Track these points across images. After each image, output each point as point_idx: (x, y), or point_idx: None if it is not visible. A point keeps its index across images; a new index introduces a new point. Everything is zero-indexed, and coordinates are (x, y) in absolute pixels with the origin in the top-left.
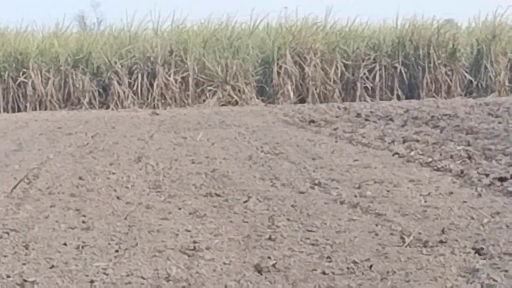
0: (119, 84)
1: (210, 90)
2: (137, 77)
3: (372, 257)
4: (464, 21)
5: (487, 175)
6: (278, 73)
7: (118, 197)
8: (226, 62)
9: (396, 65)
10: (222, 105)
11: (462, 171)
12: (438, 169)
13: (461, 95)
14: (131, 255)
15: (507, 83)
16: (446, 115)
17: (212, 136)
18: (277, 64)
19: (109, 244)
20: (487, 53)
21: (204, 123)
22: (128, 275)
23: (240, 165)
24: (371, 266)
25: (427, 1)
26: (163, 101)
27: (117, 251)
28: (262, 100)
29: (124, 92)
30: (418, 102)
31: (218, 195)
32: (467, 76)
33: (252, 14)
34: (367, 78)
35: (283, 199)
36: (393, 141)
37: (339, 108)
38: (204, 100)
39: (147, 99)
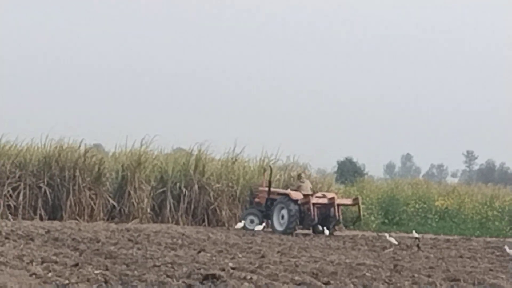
0: None
1: None
2: None
3: None
4: (112, 146)
5: None
6: None
7: None
8: None
9: (41, 185)
10: None
11: None
12: None
13: (103, 219)
14: None
15: (149, 210)
16: (87, 238)
17: None
18: None
19: None
20: (131, 179)
21: None
22: None
23: None
24: None
25: (77, 125)
26: None
27: None
28: None
29: None
30: (61, 224)
31: None
32: (111, 201)
33: None
34: (10, 196)
35: None
36: (31, 261)
37: None
38: None
39: None
